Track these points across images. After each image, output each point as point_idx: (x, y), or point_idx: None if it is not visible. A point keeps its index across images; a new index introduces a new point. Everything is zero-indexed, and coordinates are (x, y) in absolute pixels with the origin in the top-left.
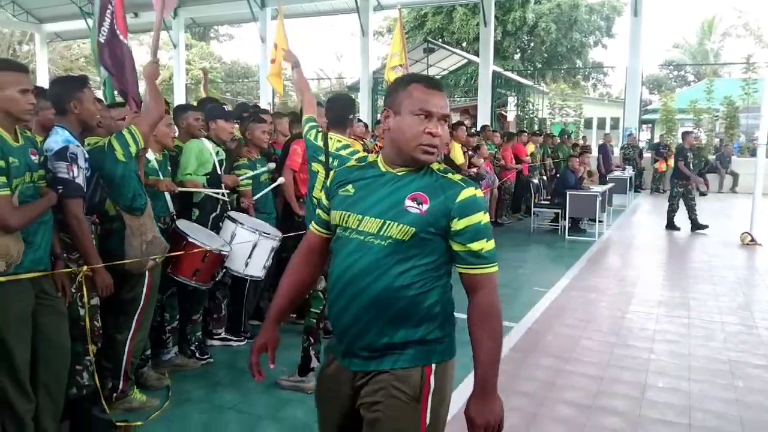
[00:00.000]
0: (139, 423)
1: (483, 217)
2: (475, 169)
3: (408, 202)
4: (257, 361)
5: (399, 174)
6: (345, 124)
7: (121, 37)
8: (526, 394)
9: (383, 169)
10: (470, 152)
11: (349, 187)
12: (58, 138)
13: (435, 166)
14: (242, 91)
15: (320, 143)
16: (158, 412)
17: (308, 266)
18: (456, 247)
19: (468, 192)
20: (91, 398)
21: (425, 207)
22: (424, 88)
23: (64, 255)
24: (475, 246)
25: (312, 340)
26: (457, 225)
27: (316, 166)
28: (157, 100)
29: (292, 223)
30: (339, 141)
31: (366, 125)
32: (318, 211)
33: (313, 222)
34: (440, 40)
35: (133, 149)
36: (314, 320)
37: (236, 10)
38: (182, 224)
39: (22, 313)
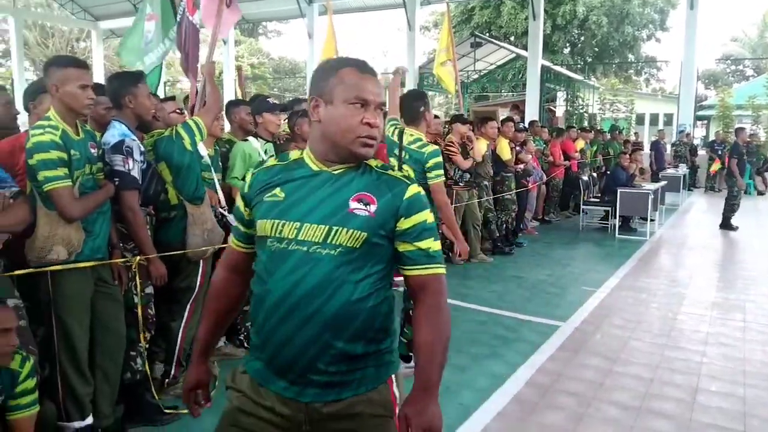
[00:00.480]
0: (186, 411)
1: (428, 216)
2: (522, 166)
3: (353, 204)
4: (193, 402)
5: (336, 173)
6: (417, 118)
7: (188, 14)
8: (572, 393)
9: (315, 168)
10: (517, 148)
11: (277, 191)
12: (115, 132)
13: (373, 162)
14: (289, 87)
15: (395, 138)
16: None
17: (235, 288)
18: (404, 247)
19: (414, 189)
20: (144, 384)
21: (373, 208)
22: (358, 73)
23: (121, 245)
24: (423, 245)
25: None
26: (405, 224)
27: (392, 161)
28: (216, 96)
29: None
30: (411, 135)
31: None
32: (236, 223)
33: (232, 237)
34: (488, 34)
35: (198, 138)
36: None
37: (284, 6)
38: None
39: (82, 300)
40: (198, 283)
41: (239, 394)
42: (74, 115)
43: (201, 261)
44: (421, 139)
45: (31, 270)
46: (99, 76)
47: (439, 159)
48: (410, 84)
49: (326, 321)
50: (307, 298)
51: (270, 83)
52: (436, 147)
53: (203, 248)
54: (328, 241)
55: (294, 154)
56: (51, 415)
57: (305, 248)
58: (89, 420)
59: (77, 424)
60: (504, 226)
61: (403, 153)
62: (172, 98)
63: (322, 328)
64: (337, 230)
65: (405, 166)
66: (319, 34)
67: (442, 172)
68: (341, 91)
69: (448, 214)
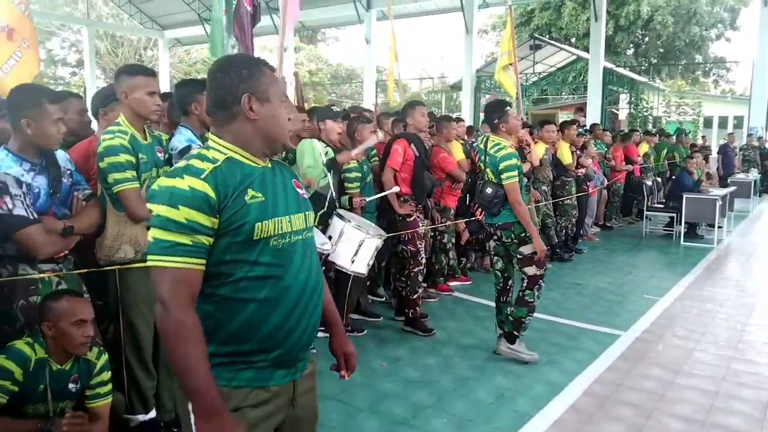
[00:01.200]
0: None
1: None
2: (582, 170)
3: (299, 190)
4: None
5: (269, 166)
6: (495, 125)
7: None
8: (632, 404)
9: (257, 165)
10: (578, 152)
11: (252, 192)
12: (182, 137)
13: None
14: (347, 93)
15: (482, 146)
16: None
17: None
18: None
19: None
20: None
21: (305, 190)
22: (274, 72)
23: None
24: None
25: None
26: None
27: (482, 166)
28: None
29: (392, 220)
30: (492, 141)
31: (471, 126)
32: (196, 237)
33: (186, 259)
34: (548, 36)
35: None
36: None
37: (343, 12)
38: None
39: (148, 298)
40: None
41: (241, 410)
42: (142, 121)
43: None
44: (499, 144)
45: (100, 268)
46: (164, 82)
47: (510, 162)
48: (467, 87)
49: (323, 294)
50: (317, 278)
51: (328, 89)
52: (510, 150)
53: None
54: (308, 225)
55: (215, 155)
56: (120, 407)
57: (301, 236)
58: (152, 413)
59: (141, 417)
60: (564, 231)
61: (487, 158)
62: None
63: (322, 302)
64: (308, 214)
65: (487, 170)
66: (377, 39)
67: (513, 173)
68: (275, 90)
69: (522, 212)
